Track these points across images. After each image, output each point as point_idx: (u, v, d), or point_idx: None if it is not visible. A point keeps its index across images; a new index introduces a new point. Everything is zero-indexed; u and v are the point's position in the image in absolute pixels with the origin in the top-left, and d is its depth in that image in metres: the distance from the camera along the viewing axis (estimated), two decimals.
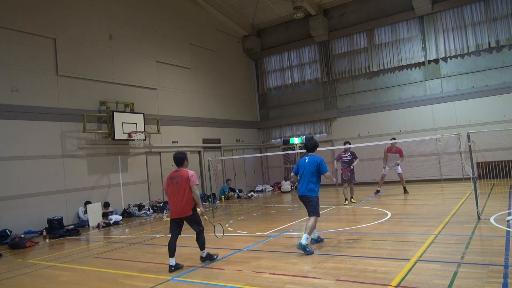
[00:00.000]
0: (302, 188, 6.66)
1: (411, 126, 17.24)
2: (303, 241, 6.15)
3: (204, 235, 6.22)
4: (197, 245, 6.22)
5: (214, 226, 6.64)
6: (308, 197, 6.59)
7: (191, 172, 6.15)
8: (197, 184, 6.11)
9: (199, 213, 6.20)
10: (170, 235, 6.10)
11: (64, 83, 12.52)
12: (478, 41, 15.94)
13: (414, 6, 16.85)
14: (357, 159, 12.00)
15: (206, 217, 6.51)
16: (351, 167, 11.71)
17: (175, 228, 6.12)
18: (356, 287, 4.52)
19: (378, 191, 13.43)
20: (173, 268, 5.84)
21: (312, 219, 6.44)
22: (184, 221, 6.18)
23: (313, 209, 6.53)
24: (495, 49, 15.75)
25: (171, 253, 5.91)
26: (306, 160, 6.75)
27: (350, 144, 11.83)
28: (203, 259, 6.22)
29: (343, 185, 11.92)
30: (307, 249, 6.12)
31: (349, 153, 11.79)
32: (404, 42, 17.56)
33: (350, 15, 19.05)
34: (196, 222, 6.14)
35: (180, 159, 6.25)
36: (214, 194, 15.48)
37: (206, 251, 6.25)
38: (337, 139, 18.89)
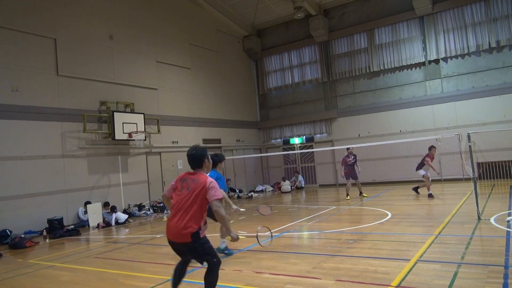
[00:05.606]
0: None
1: (411, 126, 17.22)
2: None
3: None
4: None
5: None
6: None
7: (210, 179, 3.93)
8: (220, 199, 3.87)
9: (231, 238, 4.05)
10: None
11: (64, 83, 12.52)
12: (478, 41, 15.93)
13: (415, 6, 16.84)
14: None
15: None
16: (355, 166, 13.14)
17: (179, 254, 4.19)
18: (356, 287, 4.51)
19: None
20: None
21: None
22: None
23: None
24: (495, 49, 15.73)
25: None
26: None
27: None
28: None
29: (347, 182, 13.17)
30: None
31: (352, 157, 12.97)
32: (404, 42, 17.54)
33: (350, 15, 19.03)
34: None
35: (198, 157, 4.08)
36: None
37: None
38: (337, 139, 18.87)
